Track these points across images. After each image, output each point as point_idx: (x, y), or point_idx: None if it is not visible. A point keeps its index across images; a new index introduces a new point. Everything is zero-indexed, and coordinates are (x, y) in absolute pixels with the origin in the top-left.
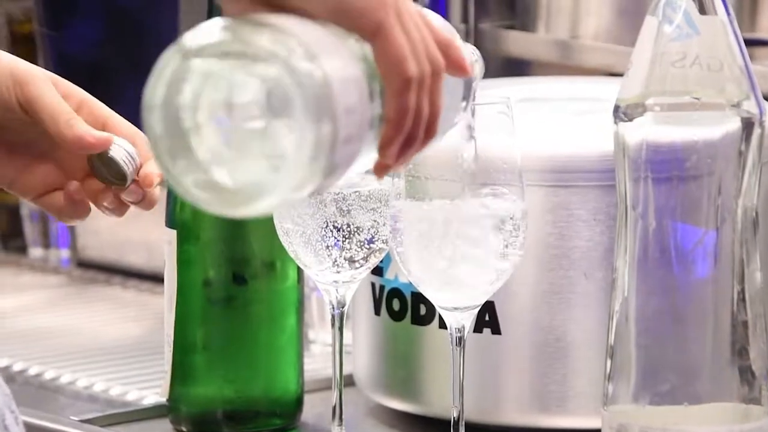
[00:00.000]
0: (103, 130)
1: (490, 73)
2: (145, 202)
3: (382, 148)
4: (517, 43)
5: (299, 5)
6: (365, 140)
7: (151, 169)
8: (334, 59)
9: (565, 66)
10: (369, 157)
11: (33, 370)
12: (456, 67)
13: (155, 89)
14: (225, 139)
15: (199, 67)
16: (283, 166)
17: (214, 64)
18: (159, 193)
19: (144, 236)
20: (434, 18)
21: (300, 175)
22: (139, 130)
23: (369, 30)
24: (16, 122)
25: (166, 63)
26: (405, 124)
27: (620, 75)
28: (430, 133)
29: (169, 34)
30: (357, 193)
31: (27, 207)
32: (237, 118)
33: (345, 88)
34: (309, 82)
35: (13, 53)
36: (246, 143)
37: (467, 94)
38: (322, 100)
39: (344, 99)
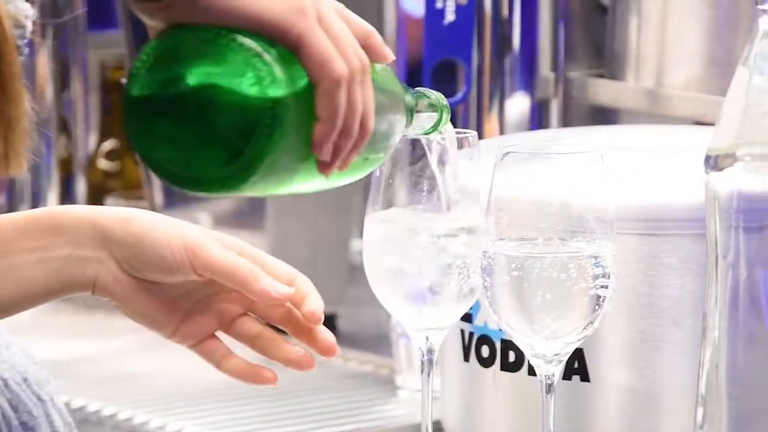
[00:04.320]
0: (262, 270)
1: (578, 121)
2: (318, 345)
3: (316, 146)
4: (605, 91)
5: (222, 22)
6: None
7: (313, 306)
8: None
9: (653, 115)
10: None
11: (123, 415)
12: (378, 53)
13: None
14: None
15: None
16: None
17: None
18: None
19: None
20: (351, 12)
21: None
22: (297, 271)
23: (292, 42)
24: (182, 284)
25: None
26: (337, 121)
27: (709, 124)
28: (365, 127)
29: None
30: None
31: None
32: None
33: None
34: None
35: (104, 100)
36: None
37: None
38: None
39: None
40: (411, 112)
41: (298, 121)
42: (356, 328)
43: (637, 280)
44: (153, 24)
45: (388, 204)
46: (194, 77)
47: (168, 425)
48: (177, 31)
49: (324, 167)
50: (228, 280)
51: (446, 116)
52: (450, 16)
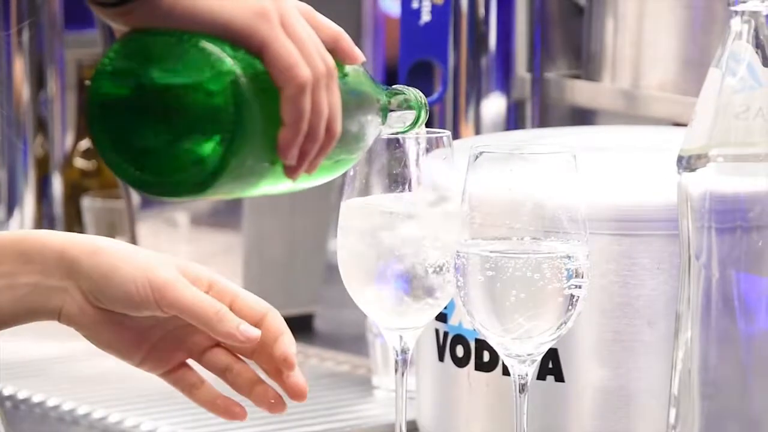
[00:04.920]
0: (231, 306)
1: (555, 121)
2: (288, 388)
3: (281, 151)
4: (582, 92)
5: (184, 27)
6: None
7: (284, 350)
8: None
9: (629, 115)
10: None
11: (97, 414)
12: (347, 55)
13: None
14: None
15: None
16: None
17: None
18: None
19: None
20: (318, 15)
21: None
22: (269, 307)
23: (255, 47)
24: (150, 316)
25: None
26: (302, 126)
27: (685, 125)
28: (331, 131)
29: None
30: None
31: None
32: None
33: None
34: None
35: (81, 99)
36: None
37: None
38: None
39: None
40: (385, 111)
41: (263, 126)
42: (333, 327)
43: (611, 281)
44: (117, 26)
45: (363, 192)
46: (157, 81)
47: (142, 424)
48: (140, 35)
49: (290, 171)
50: (193, 320)
51: (424, 114)
52: (426, 17)
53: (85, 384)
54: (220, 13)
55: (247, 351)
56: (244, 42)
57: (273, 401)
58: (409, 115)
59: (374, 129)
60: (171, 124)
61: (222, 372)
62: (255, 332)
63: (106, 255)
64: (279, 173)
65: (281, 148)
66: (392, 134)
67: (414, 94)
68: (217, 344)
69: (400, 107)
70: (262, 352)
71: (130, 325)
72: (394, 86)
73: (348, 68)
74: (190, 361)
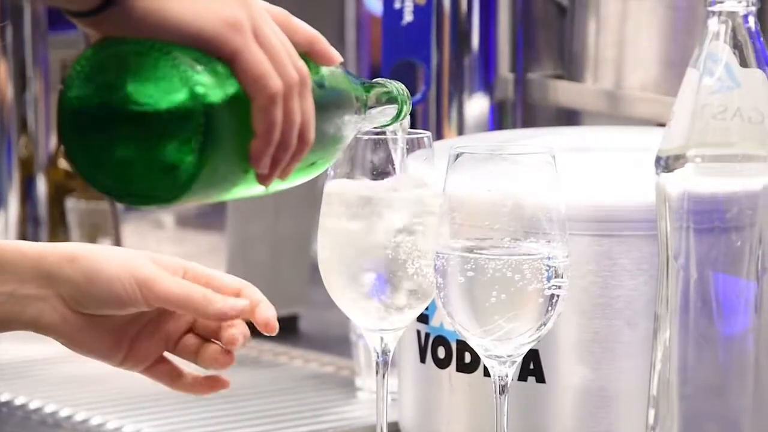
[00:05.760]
0: (207, 287)
1: (537, 122)
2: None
3: (253, 160)
4: (564, 93)
5: (156, 36)
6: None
7: (265, 315)
8: None
9: (612, 116)
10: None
11: (80, 416)
12: (324, 57)
13: None
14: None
15: None
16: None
17: None
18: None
19: None
20: (294, 18)
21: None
22: (243, 281)
23: (226, 56)
24: (128, 317)
25: None
26: (273, 136)
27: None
28: (304, 138)
29: None
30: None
31: None
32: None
33: None
34: None
35: None
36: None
37: (362, 107)
38: None
39: None
40: (365, 108)
41: (234, 134)
42: (318, 329)
43: (591, 281)
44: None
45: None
46: (128, 90)
47: (125, 427)
48: (112, 43)
49: (263, 179)
50: (183, 309)
51: (407, 107)
52: (408, 17)
53: (68, 386)
54: (191, 24)
55: (213, 330)
56: (215, 52)
57: (221, 356)
58: (391, 110)
59: (352, 128)
60: (142, 133)
61: (193, 355)
62: (243, 303)
63: (85, 260)
64: (252, 180)
65: (253, 158)
66: (375, 128)
67: (396, 87)
68: (187, 330)
69: (381, 102)
70: (220, 328)
71: (109, 326)
72: (375, 80)
73: (324, 70)
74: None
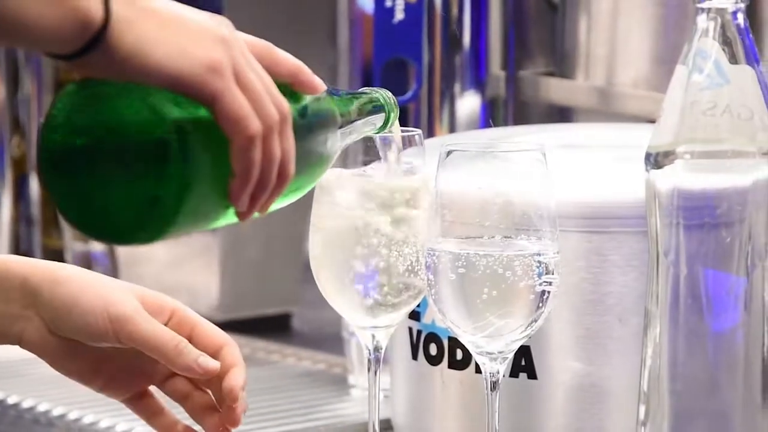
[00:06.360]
0: (191, 335)
1: (529, 119)
2: (227, 416)
3: (233, 200)
4: (556, 90)
5: (137, 80)
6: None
7: (231, 383)
8: None
9: (604, 113)
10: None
11: (73, 415)
12: (308, 88)
13: None
14: None
15: None
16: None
17: None
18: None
19: (188, 280)
20: (277, 50)
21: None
22: (227, 336)
23: (206, 100)
24: (110, 347)
25: None
26: (251, 177)
27: None
28: (283, 175)
29: None
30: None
31: (70, 252)
32: None
33: None
34: None
35: None
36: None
37: (345, 120)
38: None
39: None
40: (350, 122)
41: (213, 176)
42: (310, 327)
43: (582, 278)
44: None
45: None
46: (108, 131)
47: (117, 425)
48: (92, 85)
49: (242, 215)
50: (152, 353)
51: (394, 115)
52: (399, 15)
53: (61, 385)
54: (171, 69)
55: (203, 380)
56: (195, 96)
57: (222, 430)
58: (378, 119)
59: (338, 146)
60: (122, 173)
61: (183, 399)
62: (213, 365)
63: (67, 286)
64: (231, 215)
65: (232, 197)
66: (365, 134)
67: (382, 95)
68: (173, 374)
69: (366, 113)
70: (216, 381)
71: (90, 354)
72: (361, 89)
73: (308, 97)
74: (153, 389)
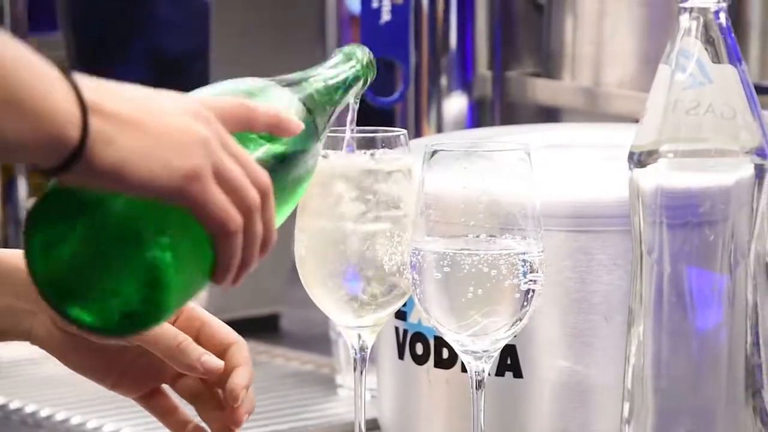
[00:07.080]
0: (199, 332)
1: (516, 119)
2: (230, 417)
3: (216, 281)
4: (543, 90)
5: (119, 191)
6: None
7: (233, 384)
8: None
9: (590, 113)
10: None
11: (60, 416)
12: (287, 133)
13: None
14: None
15: None
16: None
17: None
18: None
19: None
20: (254, 105)
21: None
22: (236, 335)
23: (185, 206)
24: (117, 344)
25: None
26: (234, 263)
27: None
28: (266, 246)
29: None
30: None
31: None
32: None
33: None
34: None
35: None
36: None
37: (323, 124)
38: None
39: None
40: (329, 119)
41: (195, 267)
42: (298, 327)
43: (568, 277)
44: None
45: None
46: (89, 236)
47: (104, 426)
48: (71, 193)
49: (225, 287)
50: (155, 351)
51: (371, 78)
52: (386, 16)
53: (48, 386)
54: (151, 181)
55: (214, 379)
56: (174, 203)
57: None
58: (356, 89)
59: (317, 154)
60: (103, 278)
61: (193, 398)
62: (216, 364)
63: None
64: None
65: (215, 280)
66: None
67: (360, 60)
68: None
69: (342, 95)
70: (225, 381)
71: (98, 350)
72: (336, 56)
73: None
74: (166, 387)
